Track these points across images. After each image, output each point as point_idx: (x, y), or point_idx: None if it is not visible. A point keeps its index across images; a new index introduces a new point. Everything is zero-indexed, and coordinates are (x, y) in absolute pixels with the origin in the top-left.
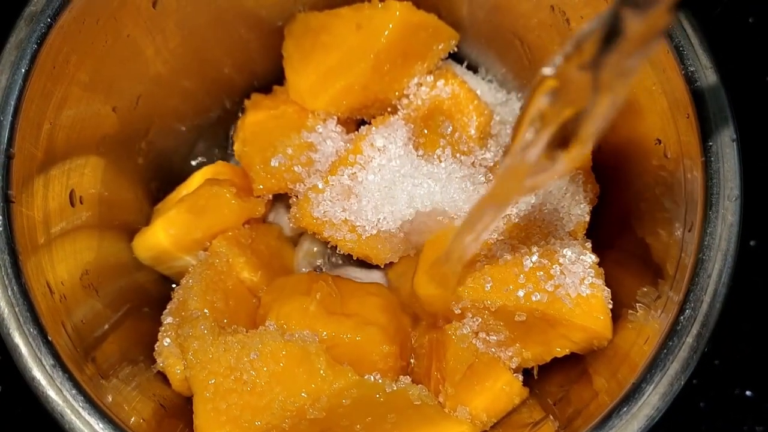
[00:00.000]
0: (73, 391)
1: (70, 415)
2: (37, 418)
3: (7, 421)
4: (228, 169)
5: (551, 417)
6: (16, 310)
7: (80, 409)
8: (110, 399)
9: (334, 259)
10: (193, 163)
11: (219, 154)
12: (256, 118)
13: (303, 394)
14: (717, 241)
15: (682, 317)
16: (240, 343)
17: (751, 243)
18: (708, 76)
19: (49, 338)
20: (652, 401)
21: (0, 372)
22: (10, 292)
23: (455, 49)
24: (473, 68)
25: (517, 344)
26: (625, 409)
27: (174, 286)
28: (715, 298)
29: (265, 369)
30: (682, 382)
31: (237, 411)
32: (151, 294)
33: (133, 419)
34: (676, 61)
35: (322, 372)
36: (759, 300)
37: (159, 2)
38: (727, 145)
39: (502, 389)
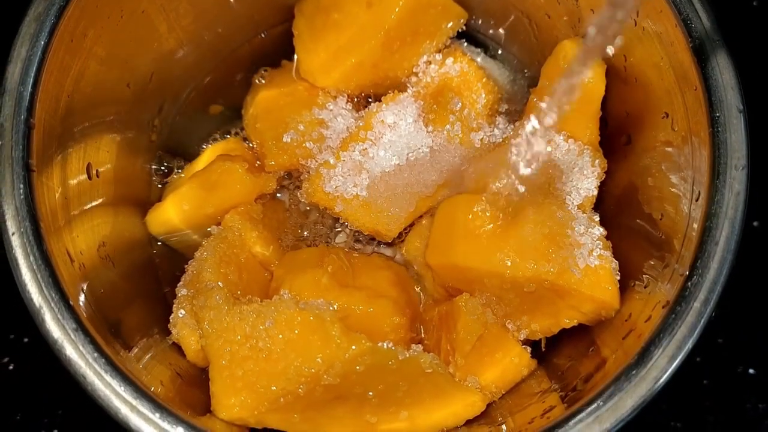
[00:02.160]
0: (95, 354)
1: (92, 377)
2: (50, 397)
3: (17, 400)
4: (239, 145)
5: (559, 387)
6: (38, 275)
7: (102, 372)
8: (129, 367)
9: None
10: (205, 139)
11: (230, 131)
12: (267, 95)
13: (318, 360)
14: (724, 209)
15: (689, 283)
16: (255, 312)
17: (755, 224)
18: (716, 48)
19: (71, 302)
20: (660, 364)
21: (12, 350)
22: (32, 258)
23: (464, 28)
24: (482, 46)
25: (526, 316)
26: (633, 372)
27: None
28: (722, 265)
29: (280, 336)
30: (689, 346)
31: (253, 377)
32: (164, 267)
33: (152, 386)
34: (683, 34)
35: (336, 339)
36: (762, 279)
37: None
38: (734, 116)
39: (511, 361)
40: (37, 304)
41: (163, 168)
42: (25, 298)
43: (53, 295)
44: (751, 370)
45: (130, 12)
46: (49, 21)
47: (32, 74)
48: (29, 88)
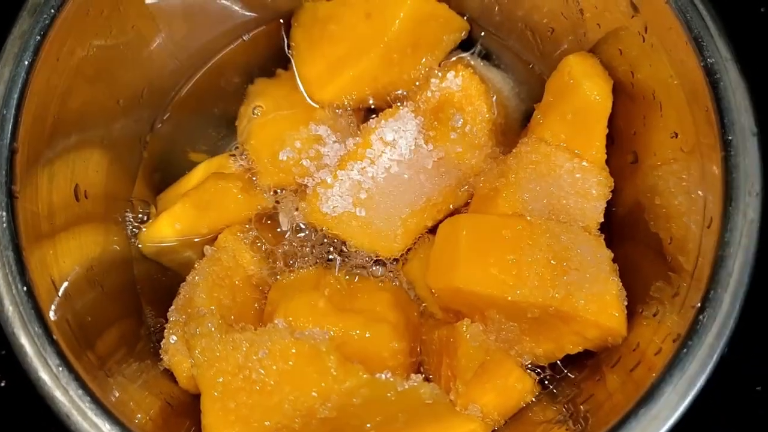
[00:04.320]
0: (80, 392)
1: (76, 416)
2: (44, 414)
3: (11, 417)
4: (232, 162)
5: (564, 415)
6: (21, 309)
7: (87, 410)
8: (116, 396)
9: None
10: (197, 154)
11: (223, 145)
12: (262, 108)
13: (313, 394)
14: (738, 237)
15: (701, 316)
16: (248, 341)
17: None
18: (728, 68)
19: (54, 337)
20: (671, 401)
21: (3, 367)
22: (14, 291)
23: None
24: (485, 56)
25: (529, 341)
26: (643, 410)
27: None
28: (736, 297)
29: (274, 368)
30: (702, 383)
31: (246, 410)
32: (156, 288)
33: (139, 416)
34: (694, 52)
35: (333, 371)
36: None
37: None
38: (747, 140)
39: (513, 386)
40: (20, 340)
41: (154, 183)
42: (7, 332)
43: (36, 329)
44: (758, 387)
45: (119, 28)
46: (34, 40)
47: (16, 96)
48: (12, 111)
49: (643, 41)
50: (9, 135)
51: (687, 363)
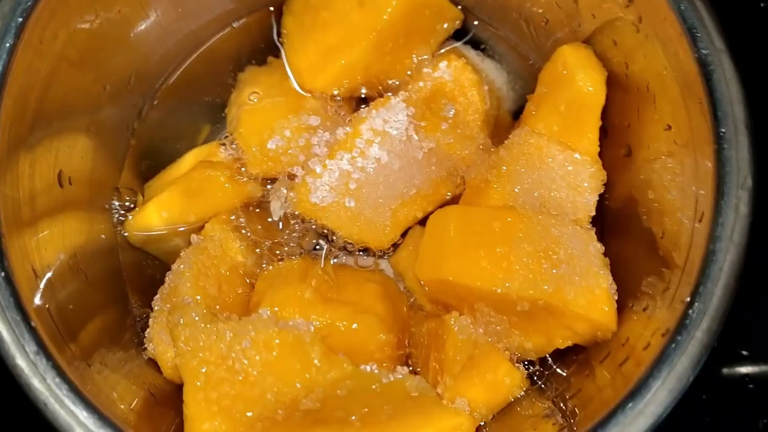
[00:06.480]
0: (57, 380)
1: (53, 404)
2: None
3: None
4: (221, 150)
5: (552, 410)
6: None
7: (64, 398)
8: (96, 387)
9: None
10: (187, 141)
11: (213, 133)
12: (251, 95)
13: (297, 385)
14: (729, 232)
15: (691, 311)
16: (232, 331)
17: None
18: (722, 60)
19: (33, 324)
20: (659, 398)
21: None
22: None
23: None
24: (479, 47)
25: (518, 334)
26: (630, 404)
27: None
28: (726, 292)
29: (257, 358)
30: (691, 378)
31: (228, 401)
32: (142, 277)
33: (121, 407)
34: (688, 44)
35: (316, 362)
36: None
37: None
38: (740, 132)
39: (501, 380)
40: None
41: (141, 171)
42: None
43: (14, 316)
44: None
45: (105, 12)
46: (15, 22)
47: None
48: None
49: (638, 32)
50: None
51: (675, 358)
